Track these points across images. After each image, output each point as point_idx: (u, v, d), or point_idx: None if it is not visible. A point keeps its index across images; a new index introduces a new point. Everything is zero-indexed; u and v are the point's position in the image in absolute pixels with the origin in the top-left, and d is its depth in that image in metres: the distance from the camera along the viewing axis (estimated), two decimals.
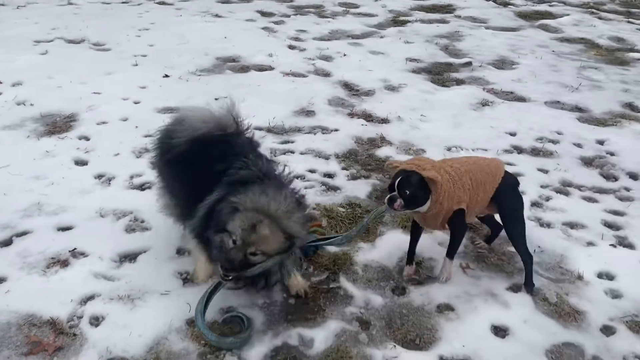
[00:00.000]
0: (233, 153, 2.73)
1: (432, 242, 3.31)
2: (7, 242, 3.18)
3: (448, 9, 8.97)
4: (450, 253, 3.01)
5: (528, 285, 2.96)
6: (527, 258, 2.97)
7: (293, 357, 2.53)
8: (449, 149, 4.40)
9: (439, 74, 6.07)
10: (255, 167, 2.68)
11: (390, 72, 6.00)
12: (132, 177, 3.84)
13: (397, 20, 8.19)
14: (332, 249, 3.23)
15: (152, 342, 2.56)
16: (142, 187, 3.75)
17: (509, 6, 9.24)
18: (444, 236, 3.36)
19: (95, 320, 2.68)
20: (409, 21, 8.13)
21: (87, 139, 4.36)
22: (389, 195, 2.79)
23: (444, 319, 2.77)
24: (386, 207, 2.84)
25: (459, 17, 8.49)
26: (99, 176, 3.86)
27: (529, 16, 8.62)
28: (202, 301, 2.61)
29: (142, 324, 2.64)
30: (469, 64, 6.39)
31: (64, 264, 3.02)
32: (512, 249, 3.28)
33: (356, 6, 8.95)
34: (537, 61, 6.53)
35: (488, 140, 4.56)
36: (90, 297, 2.80)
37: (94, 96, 5.09)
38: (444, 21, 8.19)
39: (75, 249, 3.12)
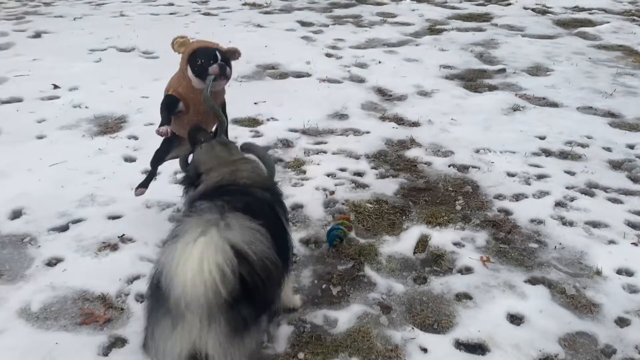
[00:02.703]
0: None
1: (455, 236, 3.46)
2: (64, 228, 3.53)
3: (485, 17, 9.05)
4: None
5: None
6: None
7: (317, 336, 2.74)
8: (477, 151, 4.53)
9: (472, 80, 6.20)
10: None
11: (424, 79, 6.17)
12: (175, 173, 4.13)
13: (434, 29, 8.34)
14: (358, 240, 3.43)
15: None
16: None
17: (548, 14, 9.24)
18: (465, 233, 3.52)
19: (141, 297, 2.95)
20: (445, 30, 8.26)
21: (135, 138, 4.71)
22: (218, 64, 3.01)
23: (461, 306, 2.92)
24: (212, 78, 2.97)
25: (496, 25, 8.56)
26: (146, 172, 4.16)
27: (567, 24, 8.60)
28: None
29: None
30: (502, 70, 6.48)
31: (114, 247, 3.33)
32: (534, 244, 3.41)
33: (393, 15, 9.15)
34: (572, 68, 6.55)
35: (517, 144, 4.66)
36: (137, 277, 3.09)
37: (143, 100, 5.46)
38: (480, 29, 8.29)
39: (123, 235, 3.44)
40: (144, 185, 3.60)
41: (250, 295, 1.85)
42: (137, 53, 7.08)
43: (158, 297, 1.88)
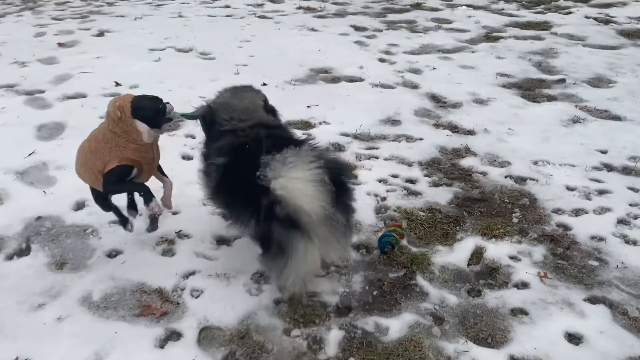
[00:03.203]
0: None
1: (511, 250, 3.38)
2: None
3: (544, 25, 8.80)
4: None
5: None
6: None
7: (368, 342, 2.73)
8: (535, 163, 4.41)
9: (530, 90, 6.04)
10: None
11: (480, 86, 6.06)
12: None
13: (490, 36, 8.18)
14: (409, 248, 3.40)
15: (243, 316, 2.86)
16: None
17: (611, 24, 8.90)
18: (521, 247, 3.44)
19: (196, 292, 3.03)
20: (502, 37, 8.09)
21: (193, 137, 4.83)
22: (167, 103, 3.07)
23: (517, 322, 2.85)
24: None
25: (555, 34, 8.31)
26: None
27: (632, 34, 8.26)
28: None
29: (235, 299, 2.96)
30: (562, 80, 6.29)
31: (171, 242, 3.43)
32: (594, 262, 3.29)
33: (449, 22, 9.03)
34: (636, 80, 6.29)
35: (576, 156, 4.51)
36: (192, 273, 3.17)
37: (200, 100, 5.57)
38: (539, 38, 8.07)
39: (180, 230, 3.53)
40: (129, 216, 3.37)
41: (340, 202, 2.60)
42: (194, 54, 7.26)
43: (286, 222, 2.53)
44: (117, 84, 5.99)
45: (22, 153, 4.45)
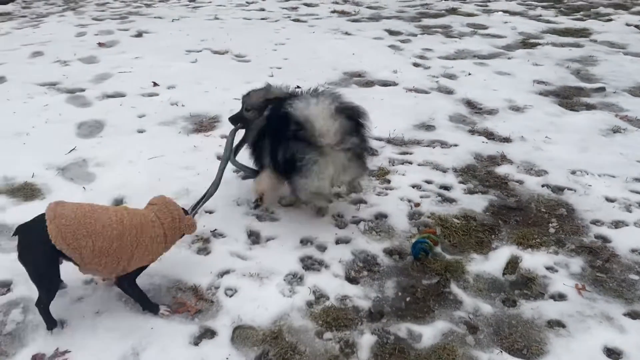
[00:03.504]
0: None
1: (548, 260, 3.32)
2: None
3: (583, 32, 8.63)
4: None
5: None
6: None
7: (401, 348, 2.72)
8: (573, 173, 4.32)
9: (568, 98, 5.92)
10: None
11: (516, 93, 5.97)
12: None
13: (527, 43, 8.05)
14: (443, 256, 3.37)
15: (276, 317, 2.88)
16: None
17: None
18: (558, 258, 3.37)
19: (230, 291, 3.06)
20: (539, 44, 7.95)
21: None
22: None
23: (553, 334, 2.79)
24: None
25: (595, 41, 8.14)
26: (237, 170, 4.31)
27: None
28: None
29: (268, 299, 2.98)
30: (602, 89, 6.14)
31: (206, 241, 3.48)
32: (634, 276, 3.21)
33: (484, 27, 8.93)
34: None
35: (616, 167, 4.40)
36: (226, 272, 3.20)
37: (235, 101, 5.60)
38: (577, 45, 7.91)
39: (215, 230, 3.58)
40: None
41: (357, 132, 3.28)
42: (230, 56, 7.35)
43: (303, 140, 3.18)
44: (155, 84, 6.11)
45: (63, 149, 4.58)
